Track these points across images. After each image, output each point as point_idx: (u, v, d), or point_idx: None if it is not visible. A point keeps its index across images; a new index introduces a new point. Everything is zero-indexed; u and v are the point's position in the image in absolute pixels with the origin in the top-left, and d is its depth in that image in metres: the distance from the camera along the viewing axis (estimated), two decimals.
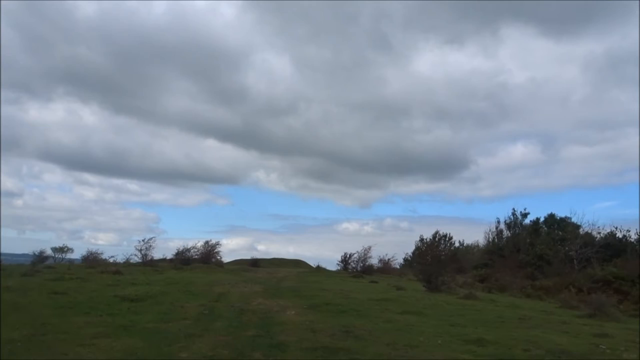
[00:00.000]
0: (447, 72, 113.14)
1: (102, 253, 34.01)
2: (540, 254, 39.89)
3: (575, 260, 38.44)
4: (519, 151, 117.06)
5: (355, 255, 34.12)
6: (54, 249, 37.48)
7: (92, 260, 32.14)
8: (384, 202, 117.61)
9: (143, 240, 32.04)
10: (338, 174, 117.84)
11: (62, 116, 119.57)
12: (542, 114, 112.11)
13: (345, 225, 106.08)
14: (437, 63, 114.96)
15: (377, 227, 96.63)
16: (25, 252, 34.29)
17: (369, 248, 33.51)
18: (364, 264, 33.42)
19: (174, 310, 11.00)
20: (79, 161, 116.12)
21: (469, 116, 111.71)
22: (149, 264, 30.47)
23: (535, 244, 41.71)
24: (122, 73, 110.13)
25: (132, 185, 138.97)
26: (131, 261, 31.92)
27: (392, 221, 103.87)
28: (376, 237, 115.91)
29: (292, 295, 15.61)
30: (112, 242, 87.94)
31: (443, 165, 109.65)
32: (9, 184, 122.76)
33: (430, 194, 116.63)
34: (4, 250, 39.41)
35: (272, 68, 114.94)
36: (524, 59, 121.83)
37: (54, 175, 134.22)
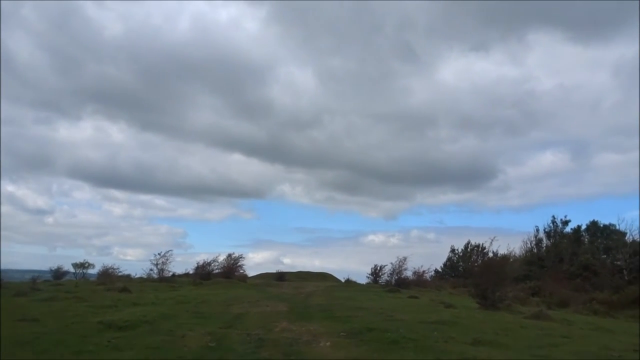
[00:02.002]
0: (472, 80, 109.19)
1: (117, 268, 32.31)
2: (586, 264, 36.55)
3: (625, 271, 35.04)
4: (549, 159, 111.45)
5: (388, 267, 31.18)
6: (75, 265, 35.92)
7: (105, 276, 30.16)
8: (410, 213, 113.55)
9: (159, 254, 29.50)
10: (364, 185, 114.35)
11: (90, 134, 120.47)
12: (572, 121, 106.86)
13: (371, 237, 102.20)
14: (463, 71, 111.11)
15: (403, 238, 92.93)
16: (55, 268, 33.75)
17: (404, 259, 30.46)
18: (398, 277, 30.32)
19: (169, 343, 8.26)
20: (107, 178, 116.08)
21: (496, 124, 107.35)
22: (165, 280, 28.03)
23: (579, 254, 38.35)
24: (148, 90, 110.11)
25: (159, 200, 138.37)
26: (151, 277, 29.48)
27: (418, 232, 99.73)
28: (403, 249, 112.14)
29: (323, 316, 12.74)
30: (140, 257, 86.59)
31: (470, 175, 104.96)
32: (40, 201, 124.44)
33: (458, 205, 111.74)
34: (35, 267, 38.00)
35: (296, 81, 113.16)
36: (552, 65, 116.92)
37: (83, 192, 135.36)
